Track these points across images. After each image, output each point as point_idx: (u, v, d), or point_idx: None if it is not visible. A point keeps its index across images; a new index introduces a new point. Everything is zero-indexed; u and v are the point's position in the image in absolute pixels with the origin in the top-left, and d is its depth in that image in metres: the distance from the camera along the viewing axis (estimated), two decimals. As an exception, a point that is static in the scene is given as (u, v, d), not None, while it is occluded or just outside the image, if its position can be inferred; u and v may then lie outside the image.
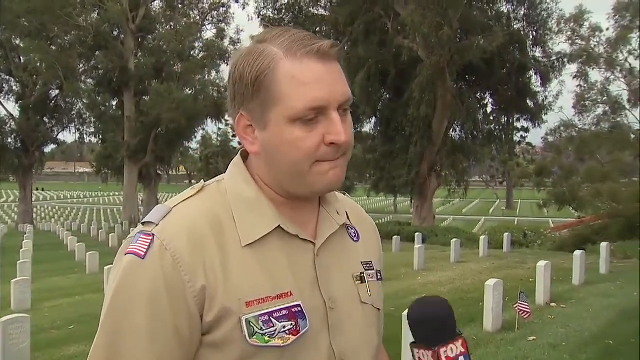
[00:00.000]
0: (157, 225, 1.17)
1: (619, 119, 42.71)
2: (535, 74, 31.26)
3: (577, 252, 11.94)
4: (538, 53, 31.64)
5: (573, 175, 38.08)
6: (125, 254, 1.18)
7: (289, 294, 1.18)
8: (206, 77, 41.80)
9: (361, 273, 1.33)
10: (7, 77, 41.70)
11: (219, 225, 1.19)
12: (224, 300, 1.14)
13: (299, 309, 1.18)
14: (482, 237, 19.82)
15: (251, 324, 1.14)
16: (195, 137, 48.07)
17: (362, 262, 1.36)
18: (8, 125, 42.32)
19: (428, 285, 12.72)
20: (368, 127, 34.08)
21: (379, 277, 1.38)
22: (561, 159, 42.23)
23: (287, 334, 1.15)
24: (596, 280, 11.94)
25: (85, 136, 45.31)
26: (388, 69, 29.39)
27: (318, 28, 31.90)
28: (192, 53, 41.45)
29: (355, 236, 1.37)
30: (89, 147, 63.32)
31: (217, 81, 42.19)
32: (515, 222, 39.19)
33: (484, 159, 36.55)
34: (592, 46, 40.23)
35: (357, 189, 67.01)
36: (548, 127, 41.03)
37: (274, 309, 1.16)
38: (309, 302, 1.20)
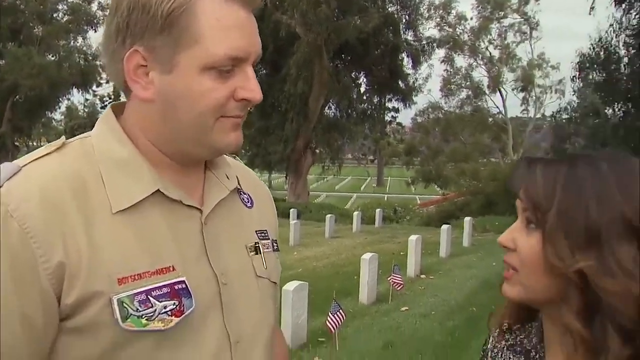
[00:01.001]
0: (0, 187, 0.96)
1: (479, 103, 45.78)
2: (407, 56, 32.56)
3: (444, 227, 12.67)
4: (410, 36, 33.00)
5: (439, 155, 40.31)
6: None
7: (171, 268, 1.02)
8: (71, 42, 39.14)
9: (256, 243, 1.20)
10: None
11: (83, 189, 1.00)
12: (88, 278, 0.96)
13: (183, 285, 1.02)
14: (355, 213, 20.46)
15: (125, 305, 0.97)
16: (59, 108, 45.11)
17: (256, 231, 1.22)
18: None
19: (304, 261, 12.94)
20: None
21: (274, 247, 1.25)
22: (428, 139, 44.55)
23: (168, 315, 0.99)
24: (460, 253, 12.77)
25: None
26: (265, 44, 29.03)
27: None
28: (55, 16, 38.53)
29: (248, 202, 1.24)
30: None
31: (84, 48, 39.63)
32: (385, 199, 40.77)
33: (357, 137, 37.55)
34: (458, 33, 42.72)
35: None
36: (417, 108, 43.07)
37: (153, 286, 0.99)
38: (195, 277, 1.04)
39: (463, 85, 44.85)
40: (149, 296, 0.98)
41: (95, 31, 38.64)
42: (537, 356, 1.08)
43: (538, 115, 47.00)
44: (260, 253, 1.19)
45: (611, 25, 21.99)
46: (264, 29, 28.86)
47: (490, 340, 1.17)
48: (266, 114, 31.22)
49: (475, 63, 44.69)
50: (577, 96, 24.25)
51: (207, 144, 1.05)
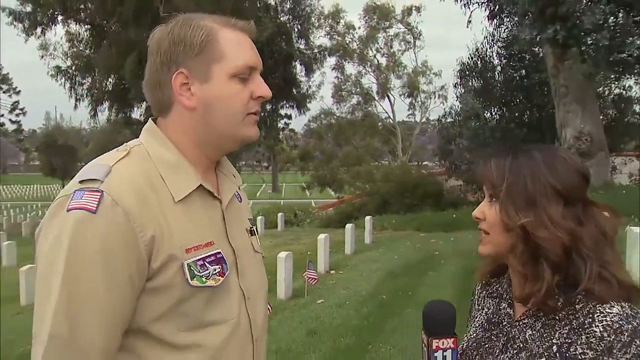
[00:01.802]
0: (103, 182, 1.24)
1: (369, 109, 47.48)
2: (300, 64, 33.18)
3: (348, 225, 13.40)
4: (302, 45, 33.62)
5: (332, 159, 41.46)
6: (69, 211, 1.20)
7: (212, 243, 1.34)
8: None
9: (250, 227, 1.55)
10: None
11: (153, 184, 1.30)
12: (169, 248, 1.27)
13: (221, 255, 1.35)
14: (259, 218, 20.87)
15: (191, 268, 1.28)
16: None
17: (249, 219, 1.57)
18: None
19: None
20: (138, 113, 33.27)
21: (252, 232, 1.59)
22: (322, 144, 45.65)
23: (217, 276, 1.32)
24: (363, 249, 13.40)
25: None
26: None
27: (82, 6, 30.03)
28: None
29: (238, 197, 1.54)
30: None
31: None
32: (282, 204, 41.36)
33: (252, 144, 37.71)
34: (347, 42, 44.10)
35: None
36: (310, 114, 44.05)
37: (205, 255, 1.32)
38: (224, 250, 1.37)
39: (353, 91, 46.44)
40: (205, 262, 1.31)
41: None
42: (507, 296, 1.41)
43: (423, 120, 49.45)
44: (255, 235, 1.55)
45: (485, 37, 24.05)
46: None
47: (476, 292, 1.52)
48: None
49: (364, 70, 46.52)
50: (460, 101, 25.97)
51: (237, 137, 1.38)
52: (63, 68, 32.23)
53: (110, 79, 31.30)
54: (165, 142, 1.36)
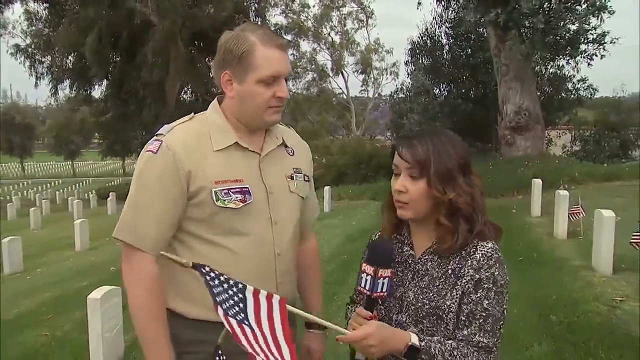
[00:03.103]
0: (165, 135, 1.82)
1: (324, 85, 48.31)
2: None
3: (310, 195, 14.52)
4: (259, 23, 34.17)
5: (289, 134, 42.22)
6: (146, 152, 1.81)
7: (241, 180, 1.84)
8: None
9: (291, 174, 1.97)
10: None
11: (201, 138, 1.84)
12: (202, 180, 1.80)
13: (247, 189, 1.84)
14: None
15: (217, 194, 1.80)
16: None
17: (293, 168, 1.99)
18: None
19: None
20: (99, 91, 33.45)
21: (306, 179, 2.01)
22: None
23: (238, 202, 1.82)
24: (324, 217, 14.24)
25: None
26: (120, 32, 28.91)
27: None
28: None
29: (290, 152, 2.01)
30: None
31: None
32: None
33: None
34: (302, 20, 44.62)
35: (83, 153, 63.89)
36: (267, 91, 44.31)
37: (231, 187, 1.82)
38: (255, 187, 1.86)
39: (309, 68, 47.08)
40: (229, 191, 1.82)
41: None
42: (408, 242, 1.76)
43: (376, 95, 50.65)
44: (294, 180, 1.97)
45: (434, 18, 25.45)
46: (117, 17, 28.27)
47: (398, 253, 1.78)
48: (123, 101, 31.03)
49: (319, 48, 47.15)
50: (410, 78, 27.34)
51: (262, 121, 1.87)
52: (22, 46, 32.15)
53: (70, 57, 31.40)
54: (219, 113, 1.91)
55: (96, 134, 46.43)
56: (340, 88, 49.84)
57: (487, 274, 1.58)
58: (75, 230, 13.43)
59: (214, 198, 1.80)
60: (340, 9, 46.46)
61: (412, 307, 1.66)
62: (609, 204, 7.85)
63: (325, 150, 29.89)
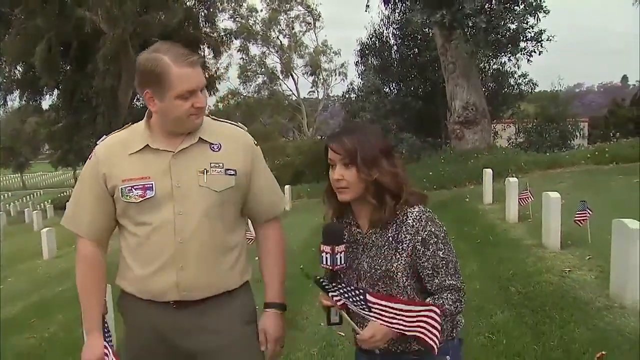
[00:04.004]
0: (98, 144, 2.17)
1: (275, 87, 48.50)
2: (207, 48, 33.64)
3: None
4: (208, 29, 34.09)
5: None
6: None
7: (147, 177, 2.08)
8: None
9: (205, 169, 2.11)
10: None
11: (123, 144, 2.13)
12: (114, 179, 2.11)
13: (150, 185, 2.08)
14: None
15: (122, 191, 2.10)
16: None
17: (211, 163, 2.12)
18: None
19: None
20: (50, 100, 32.95)
21: (229, 172, 2.13)
22: (231, 123, 46.22)
23: (137, 197, 2.08)
24: (285, 216, 14.53)
25: None
26: (70, 41, 28.51)
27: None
28: None
29: (216, 148, 2.15)
30: None
31: None
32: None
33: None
34: (251, 24, 44.77)
35: (32, 165, 62.37)
36: (219, 95, 44.58)
37: (134, 184, 2.08)
38: (161, 183, 2.08)
39: (258, 71, 47.19)
40: (132, 188, 2.09)
41: None
42: (354, 222, 2.05)
43: (325, 96, 51.16)
44: (206, 174, 2.11)
45: (381, 20, 26.17)
46: (65, 25, 27.78)
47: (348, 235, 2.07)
48: (75, 110, 30.61)
49: (268, 51, 47.39)
50: (361, 78, 27.98)
51: (184, 128, 2.10)
52: (-35, 57, 31.37)
53: (19, 67, 30.84)
54: (145, 121, 2.16)
55: (46, 145, 45.57)
56: (291, 90, 50.22)
57: (426, 233, 1.90)
58: (42, 238, 13.52)
59: (121, 194, 2.10)
60: (288, 12, 46.83)
61: (367, 274, 1.98)
62: (553, 189, 8.55)
63: (280, 151, 30.28)
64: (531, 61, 18.82)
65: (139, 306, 2.16)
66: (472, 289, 6.00)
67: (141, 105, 34.22)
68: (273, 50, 47.53)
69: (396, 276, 1.93)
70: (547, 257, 6.86)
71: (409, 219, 1.91)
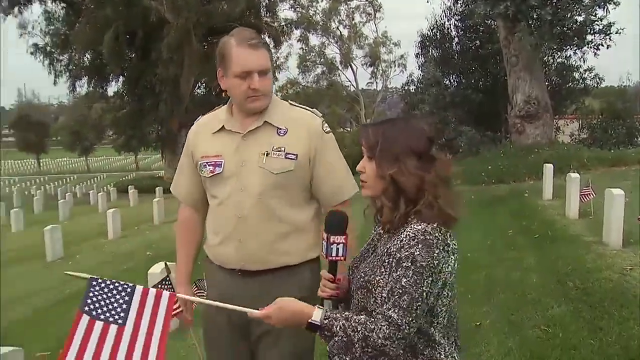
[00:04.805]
0: (195, 122, 2.45)
1: (333, 78, 48.53)
2: (268, 37, 34.11)
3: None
4: (269, 19, 34.63)
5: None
6: None
7: (219, 155, 2.29)
8: None
9: (267, 152, 2.25)
10: None
11: (209, 124, 2.36)
12: (196, 155, 2.35)
13: (220, 162, 2.27)
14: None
15: (200, 166, 2.33)
16: None
17: (274, 146, 2.25)
18: None
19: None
20: (115, 87, 34.14)
21: (289, 157, 2.25)
22: (289, 113, 46.45)
23: (208, 172, 2.30)
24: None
25: None
26: (135, 29, 29.55)
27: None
28: None
29: (282, 133, 2.28)
30: None
31: None
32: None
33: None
34: (311, 14, 44.88)
35: (97, 149, 64.72)
36: (278, 84, 44.84)
37: (208, 161, 2.30)
38: (230, 161, 2.26)
39: (318, 62, 47.36)
40: (206, 163, 2.30)
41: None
42: (379, 222, 1.88)
43: (384, 87, 50.87)
44: (268, 156, 2.25)
45: (443, 11, 25.85)
46: (132, 15, 28.99)
47: (375, 227, 1.95)
48: (139, 97, 31.66)
49: (327, 41, 47.32)
50: (421, 70, 27.74)
51: (245, 107, 2.25)
52: (41, 45, 32.84)
53: (87, 55, 32.06)
54: (228, 105, 2.36)
55: (110, 130, 47.15)
56: (349, 81, 49.98)
57: (406, 253, 1.63)
58: (107, 219, 14.09)
59: (199, 169, 2.34)
60: (348, 2, 46.41)
61: (357, 280, 1.81)
62: (616, 186, 8.40)
63: (338, 142, 30.32)
64: (598, 55, 18.30)
65: (214, 269, 2.40)
66: (529, 282, 6.01)
67: (202, 93, 35.20)
68: (333, 41, 47.43)
69: (375, 290, 1.70)
70: (608, 254, 6.74)
71: (404, 233, 1.67)
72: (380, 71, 49.06)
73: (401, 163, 1.70)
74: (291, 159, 2.24)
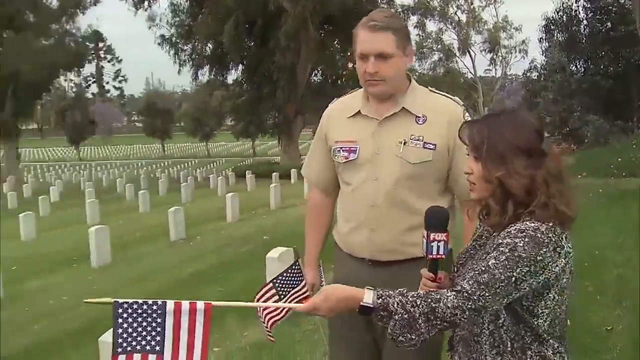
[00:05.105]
0: (329, 105, 2.40)
1: (451, 65, 47.58)
2: None
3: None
4: (386, 5, 34.12)
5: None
6: None
7: (354, 141, 2.23)
8: (63, 26, 39.17)
9: (404, 140, 2.16)
10: None
11: (345, 107, 2.30)
12: (330, 139, 2.30)
13: (355, 148, 2.21)
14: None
15: (333, 150, 2.28)
16: (50, 90, 45.69)
17: (412, 135, 2.17)
18: None
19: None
20: (235, 75, 35.39)
21: (427, 146, 2.16)
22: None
23: (342, 158, 2.25)
24: None
25: None
26: (254, 19, 30.45)
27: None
28: (45, 1, 37.95)
29: (421, 121, 2.19)
30: None
31: (74, 31, 39.99)
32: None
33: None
34: (428, 0, 44.16)
35: (216, 135, 67.70)
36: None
37: (342, 146, 2.24)
38: (364, 147, 2.20)
39: (435, 48, 46.61)
40: (341, 149, 2.25)
41: (84, 14, 39.34)
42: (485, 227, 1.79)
43: (504, 74, 49.19)
44: (405, 145, 2.16)
45: (571, -9, 24.37)
46: (252, 5, 29.74)
47: (479, 226, 1.84)
48: (258, 84, 32.66)
49: (445, 27, 46.33)
50: (545, 55, 26.45)
51: (366, 91, 2.22)
52: (167, 36, 34.71)
53: (209, 45, 33.48)
54: (364, 89, 2.26)
55: (229, 117, 49.01)
56: (467, 67, 48.85)
57: (507, 240, 1.53)
58: (227, 203, 14.56)
59: (332, 154, 2.29)
60: (467, -14, 45.45)
61: (461, 278, 1.66)
62: None
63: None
64: None
65: (343, 257, 2.34)
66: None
67: (319, 81, 35.67)
68: (450, 27, 46.45)
69: None
70: None
71: (515, 226, 1.55)
72: (500, 57, 47.68)
73: (509, 164, 1.57)
74: (429, 148, 2.15)
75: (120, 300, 1.47)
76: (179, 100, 76.14)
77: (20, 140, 41.18)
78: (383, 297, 1.55)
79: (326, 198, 2.46)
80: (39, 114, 70.58)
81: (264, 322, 2.35)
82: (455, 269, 1.80)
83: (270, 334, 2.37)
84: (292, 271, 2.45)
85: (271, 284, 2.34)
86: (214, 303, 1.55)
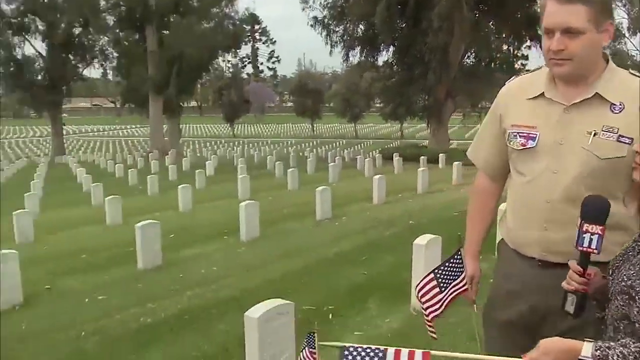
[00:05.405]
0: (506, 84, 2.16)
1: (619, 46, 43.94)
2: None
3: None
4: None
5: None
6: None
7: (534, 127, 1.98)
8: (223, 10, 41.57)
9: (595, 131, 1.87)
10: (33, 17, 41.38)
11: (525, 87, 2.05)
12: (505, 122, 2.08)
13: (534, 135, 1.97)
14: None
15: (508, 135, 2.05)
16: (210, 70, 48.59)
17: (604, 125, 1.87)
18: (37, 64, 42.71)
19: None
20: (386, 56, 35.36)
21: (619, 139, 1.85)
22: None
23: (518, 145, 2.01)
24: None
25: (108, 71, 45.87)
26: (407, 0, 30.08)
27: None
28: None
29: (617, 109, 1.88)
30: (108, 83, 64.08)
31: (232, 14, 42.16)
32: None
33: (497, 84, 37.67)
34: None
35: (364, 116, 68.29)
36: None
37: (520, 131, 2.01)
38: (545, 135, 1.94)
39: (602, 27, 43.34)
40: (517, 134, 2.02)
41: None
42: None
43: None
44: (595, 137, 1.87)
45: None
46: None
47: None
48: (408, 66, 32.38)
49: (614, 5, 42.93)
50: None
51: (551, 71, 1.95)
52: (319, 18, 35.38)
53: (361, 26, 33.68)
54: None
55: (378, 98, 49.08)
56: (637, 48, 45.11)
57: None
58: (373, 185, 14.59)
59: (507, 138, 2.06)
60: (643, -41, 41.41)
61: (617, 282, 1.53)
62: None
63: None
64: None
65: (508, 253, 2.16)
66: None
67: (471, 63, 34.59)
68: (619, 4, 42.78)
69: (638, 299, 1.43)
70: None
71: None
72: (677, 37, 42.94)
73: None
74: (624, 142, 1.84)
75: (347, 345, 1.50)
76: (329, 81, 77.83)
77: (182, 117, 44.41)
78: (602, 349, 1.41)
79: (493, 184, 2.28)
80: (199, 93, 75.45)
81: (426, 316, 2.25)
82: (610, 272, 1.62)
83: (432, 329, 2.27)
84: (455, 261, 2.29)
85: (432, 275, 2.21)
86: (432, 352, 1.51)
